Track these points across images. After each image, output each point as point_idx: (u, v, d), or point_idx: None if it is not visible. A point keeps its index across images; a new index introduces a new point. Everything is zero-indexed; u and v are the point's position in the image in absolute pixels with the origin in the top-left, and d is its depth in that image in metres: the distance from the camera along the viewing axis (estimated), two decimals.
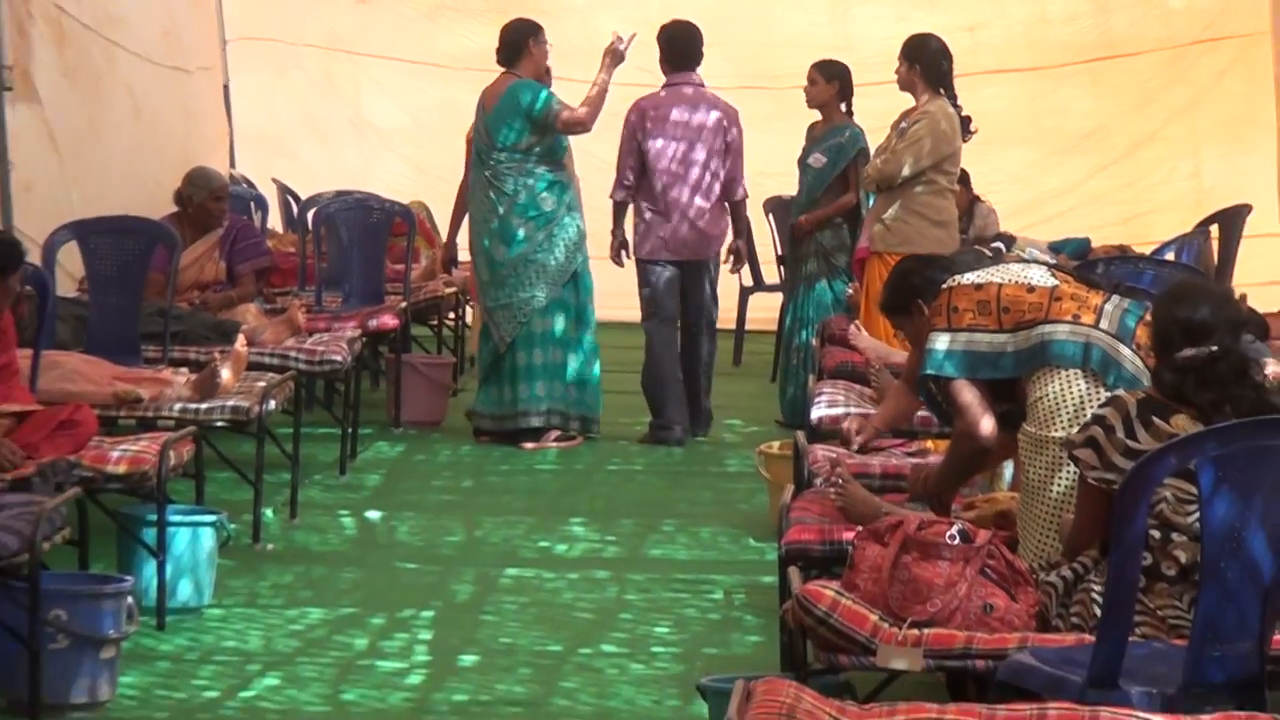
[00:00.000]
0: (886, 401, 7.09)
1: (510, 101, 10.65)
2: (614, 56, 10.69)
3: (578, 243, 10.88)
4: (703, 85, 11.37)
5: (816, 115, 11.42)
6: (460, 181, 11.30)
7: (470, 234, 10.95)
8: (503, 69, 10.84)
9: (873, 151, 10.53)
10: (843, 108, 11.35)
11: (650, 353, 11.31)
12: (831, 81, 11.30)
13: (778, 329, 13.13)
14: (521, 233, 10.72)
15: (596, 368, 11.10)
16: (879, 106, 11.12)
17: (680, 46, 11.32)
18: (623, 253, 11.28)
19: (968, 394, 5.98)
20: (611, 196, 11.21)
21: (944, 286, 6.15)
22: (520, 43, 10.80)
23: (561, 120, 10.59)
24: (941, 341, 5.99)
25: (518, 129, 10.65)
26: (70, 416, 7.25)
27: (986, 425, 5.96)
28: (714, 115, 11.23)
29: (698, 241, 11.17)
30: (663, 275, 11.27)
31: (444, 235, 12.11)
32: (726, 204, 11.33)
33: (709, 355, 11.58)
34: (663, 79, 11.35)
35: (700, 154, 11.17)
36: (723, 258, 11.51)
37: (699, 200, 11.12)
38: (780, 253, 13.18)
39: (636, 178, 11.15)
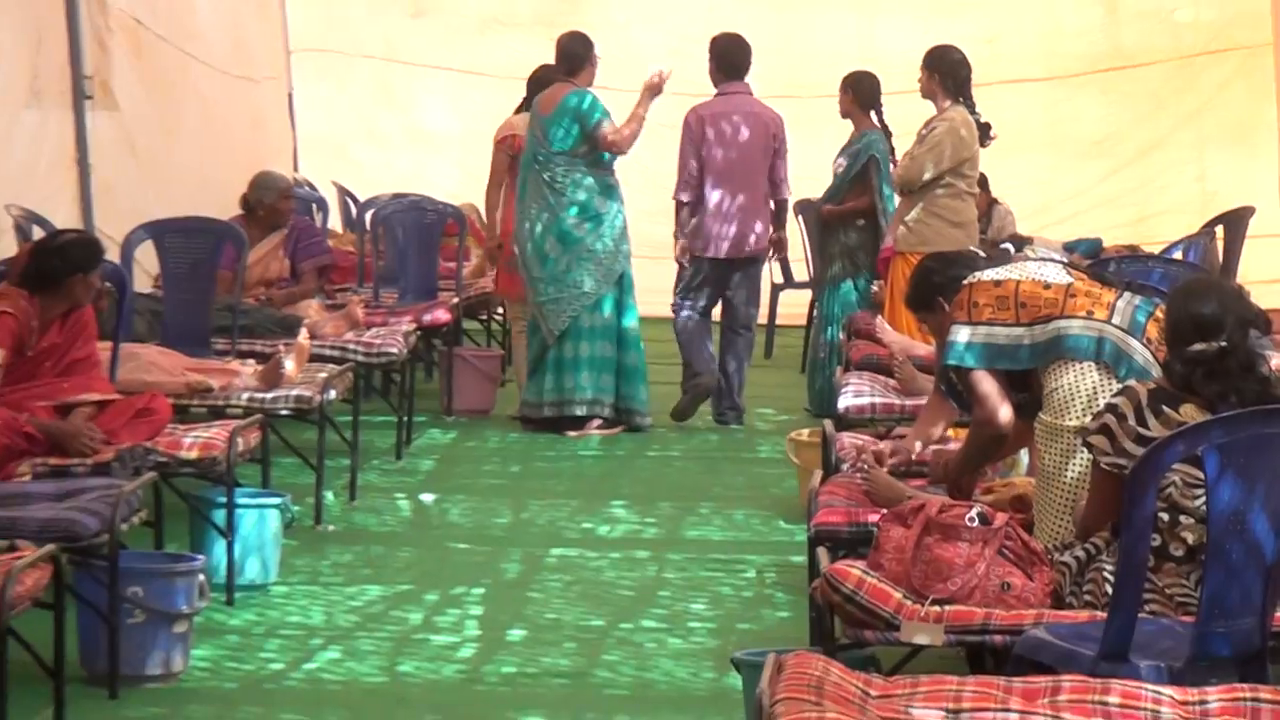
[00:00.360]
0: (921, 418, 7.04)
1: (567, 109, 10.67)
2: (652, 90, 10.71)
3: (623, 241, 10.93)
4: (751, 93, 11.42)
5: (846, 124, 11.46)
6: (489, 183, 11.31)
7: (517, 232, 10.90)
8: (560, 78, 10.85)
9: (899, 156, 10.53)
10: (872, 116, 11.34)
11: (678, 320, 11.35)
12: (846, 92, 11.32)
13: (806, 324, 13.15)
14: (576, 232, 10.74)
15: (641, 360, 11.09)
16: (905, 113, 11.08)
17: (732, 58, 11.33)
18: (683, 252, 11.25)
19: (986, 384, 5.97)
20: (676, 197, 11.18)
21: (965, 283, 6.14)
22: (582, 55, 10.85)
23: (604, 138, 10.62)
24: (962, 334, 5.98)
25: (574, 135, 10.67)
26: (147, 405, 7.28)
27: (1004, 414, 5.97)
28: (762, 121, 11.27)
29: (741, 239, 11.19)
30: (705, 270, 11.32)
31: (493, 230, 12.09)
32: (771, 203, 11.37)
33: (745, 354, 11.55)
34: (703, 89, 11.46)
35: (749, 157, 11.20)
36: (767, 251, 11.55)
37: (746, 200, 11.14)
38: (809, 252, 13.16)
39: (700, 180, 11.15)
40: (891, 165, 11.07)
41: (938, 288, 6.38)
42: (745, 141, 11.18)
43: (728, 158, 11.15)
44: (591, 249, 10.81)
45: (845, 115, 11.35)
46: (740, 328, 11.47)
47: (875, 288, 10.94)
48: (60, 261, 7.11)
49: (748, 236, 11.21)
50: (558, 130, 10.68)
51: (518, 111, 11.44)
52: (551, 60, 11.12)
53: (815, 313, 11.68)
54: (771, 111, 11.39)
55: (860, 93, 11.32)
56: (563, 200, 10.74)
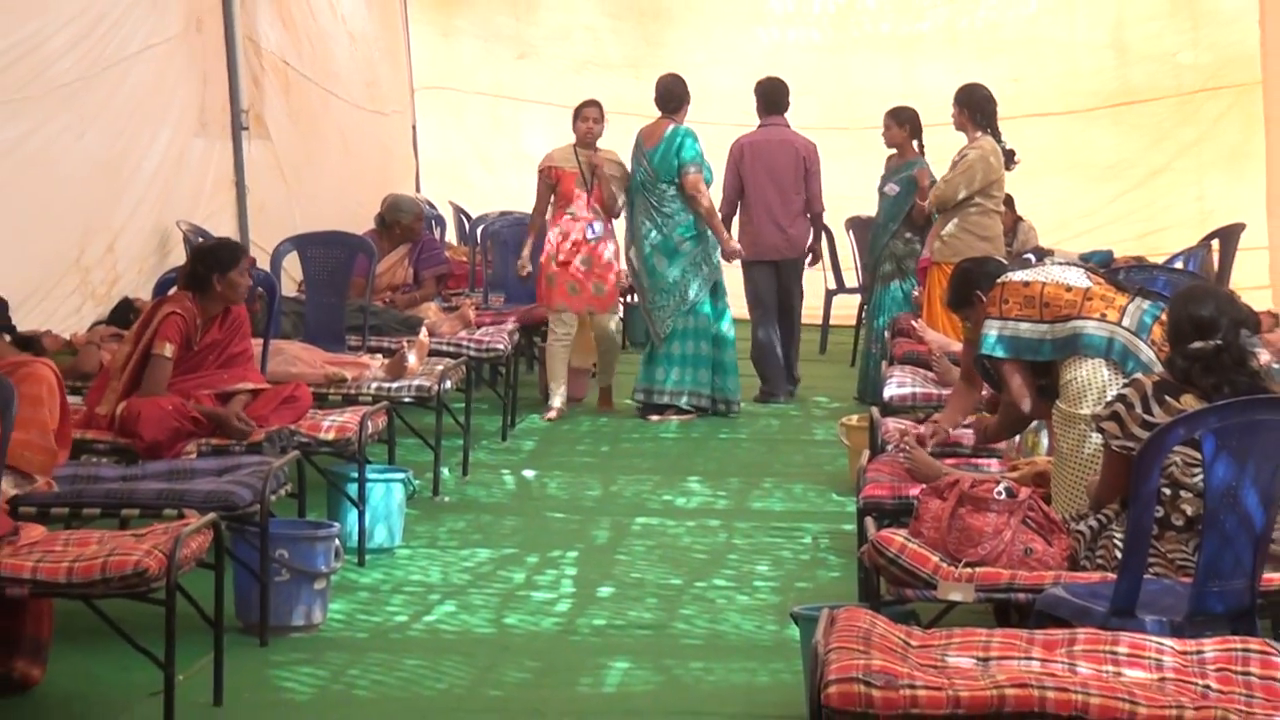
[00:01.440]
0: (950, 405, 7.06)
1: (674, 144, 10.67)
2: (729, 252, 11.01)
3: (717, 253, 10.96)
4: (788, 126, 11.52)
5: (891, 151, 11.40)
6: (534, 208, 11.01)
7: (630, 246, 10.93)
8: (661, 114, 10.85)
9: (938, 180, 10.50)
10: (915, 145, 11.28)
11: (755, 334, 11.46)
12: (904, 126, 11.22)
13: (855, 323, 13.12)
14: (684, 247, 10.76)
15: (734, 357, 11.11)
16: (940, 143, 11.06)
17: (772, 97, 11.50)
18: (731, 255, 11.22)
19: (1015, 377, 6.02)
20: (720, 211, 11.19)
21: (998, 282, 6.16)
22: (681, 96, 10.86)
23: (690, 181, 10.63)
24: (993, 328, 6.01)
25: (673, 163, 10.67)
26: (292, 393, 7.34)
27: (1027, 404, 6.04)
28: (795, 149, 11.38)
29: (785, 245, 11.30)
30: (760, 272, 11.43)
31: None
32: (808, 215, 11.47)
33: (797, 333, 11.75)
34: (756, 121, 11.55)
35: (784, 178, 11.31)
36: (805, 254, 11.64)
37: (783, 214, 11.24)
38: (860, 261, 13.12)
39: (737, 196, 11.31)
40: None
41: (975, 285, 6.42)
42: (780, 165, 11.32)
43: (765, 179, 11.25)
44: (696, 262, 10.84)
45: (893, 145, 11.29)
46: (784, 314, 11.60)
47: (915, 293, 10.92)
48: (205, 265, 7.21)
49: (792, 242, 11.36)
50: (666, 162, 10.69)
51: None
52: (644, 101, 11.21)
53: (864, 313, 11.62)
54: (804, 140, 11.49)
55: (913, 124, 11.28)
56: (671, 221, 10.75)
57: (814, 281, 13.12)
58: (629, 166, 10.84)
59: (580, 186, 10.54)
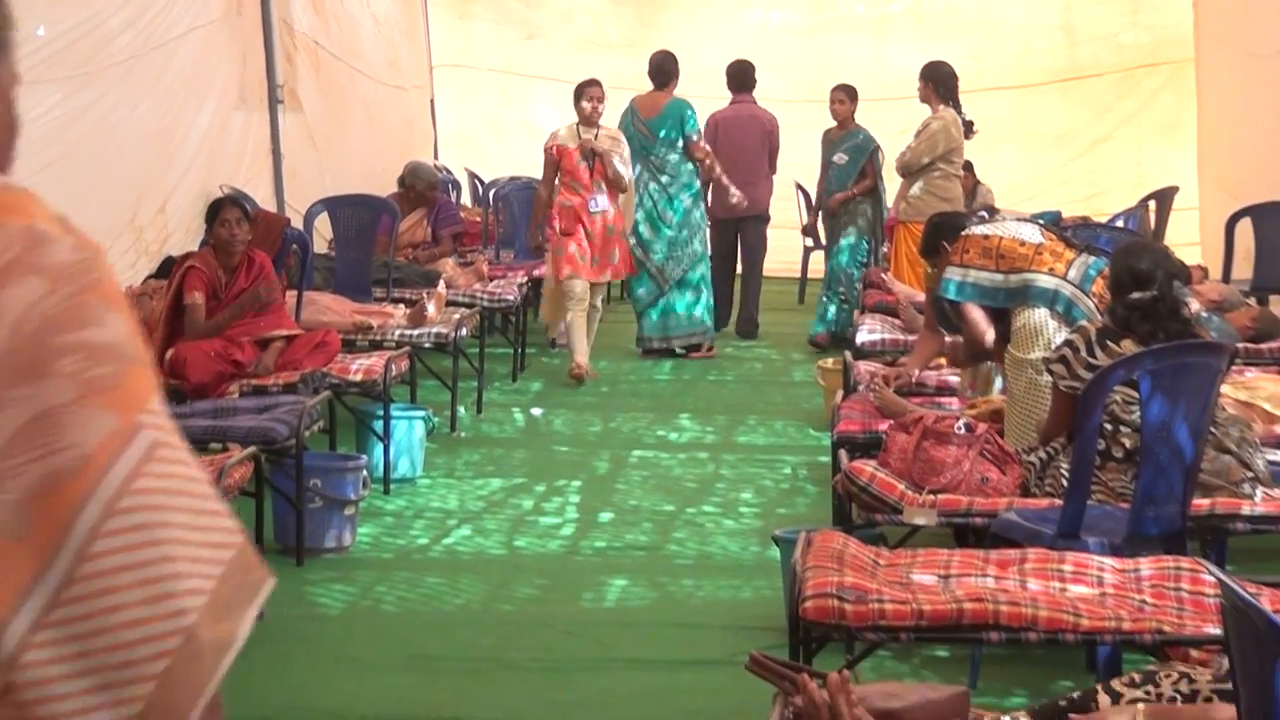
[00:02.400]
0: (915, 350, 7.03)
1: (672, 113, 10.70)
2: (736, 199, 10.96)
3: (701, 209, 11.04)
4: (754, 102, 11.64)
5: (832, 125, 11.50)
6: (540, 183, 10.49)
7: (639, 206, 10.87)
8: (654, 88, 10.84)
9: (904, 147, 10.48)
10: (856, 118, 11.40)
11: (714, 279, 11.37)
12: (853, 100, 11.37)
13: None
14: (682, 204, 10.78)
15: (710, 297, 11.15)
16: (907, 114, 11.03)
17: (740, 78, 11.67)
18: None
19: (974, 314, 6.02)
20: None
21: (962, 234, 6.15)
22: (672, 71, 10.85)
23: (696, 146, 10.72)
24: (955, 275, 6.00)
25: (676, 133, 10.69)
26: (323, 339, 7.35)
27: (989, 337, 6.02)
28: (760, 123, 11.50)
29: (751, 204, 11.28)
30: (726, 229, 11.56)
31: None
32: (771, 177, 11.62)
33: (757, 283, 11.77)
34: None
35: (750, 148, 11.37)
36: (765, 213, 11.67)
37: (748, 177, 11.20)
38: (806, 222, 13.07)
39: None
40: (881, 156, 11.26)
41: (943, 237, 6.39)
42: (747, 137, 11.38)
43: (734, 149, 11.24)
44: (698, 221, 10.91)
45: (841, 118, 11.39)
46: (749, 266, 11.72)
47: (885, 249, 10.92)
48: (207, 224, 7.42)
49: (754, 201, 11.33)
50: (665, 129, 10.70)
51: None
52: (639, 78, 11.13)
53: (829, 263, 11.57)
54: (768, 114, 11.61)
55: (856, 99, 11.40)
56: (677, 182, 10.76)
57: (794, 239, 13.12)
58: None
59: (584, 163, 10.08)
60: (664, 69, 10.86)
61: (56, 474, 1.35)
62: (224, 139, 10.41)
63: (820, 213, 11.98)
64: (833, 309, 11.27)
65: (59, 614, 1.34)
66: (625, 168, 10.14)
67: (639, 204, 10.81)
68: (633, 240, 10.75)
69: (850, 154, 11.26)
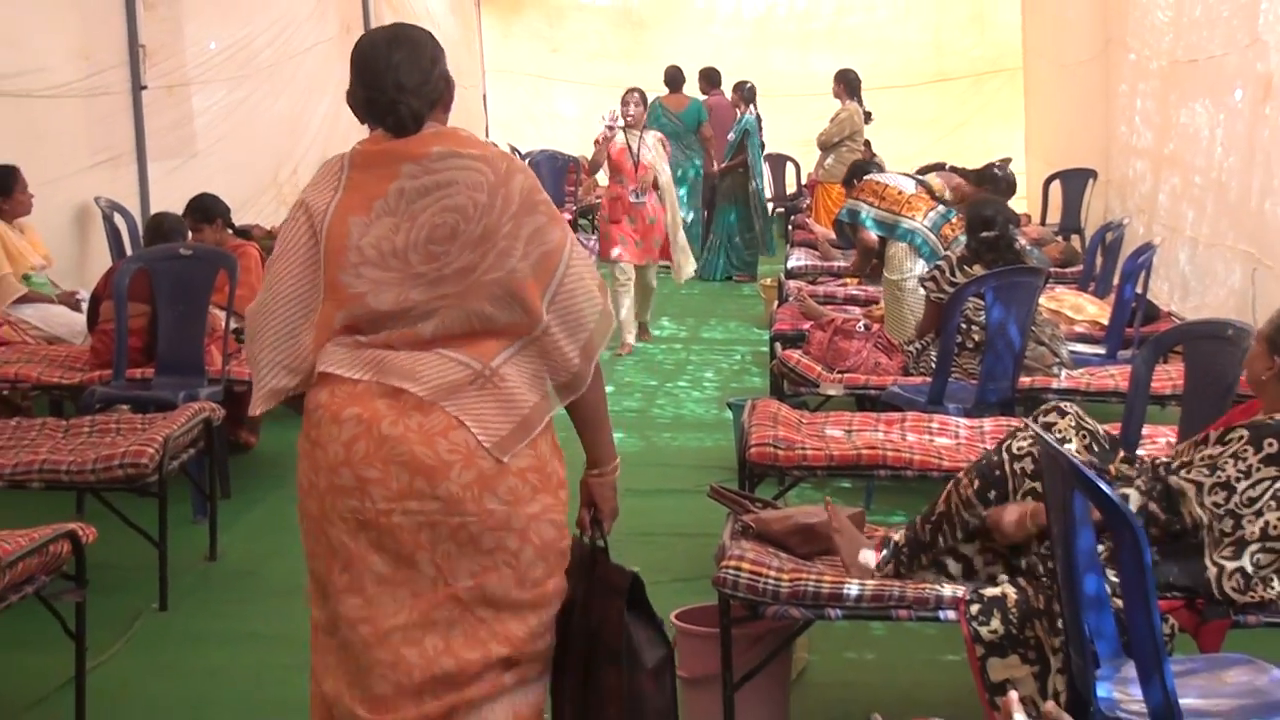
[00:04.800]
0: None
1: (693, 109, 10.55)
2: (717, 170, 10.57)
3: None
4: (723, 95, 11.24)
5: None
6: (592, 159, 9.17)
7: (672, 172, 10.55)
8: (670, 91, 10.61)
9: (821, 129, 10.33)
10: (748, 106, 10.89)
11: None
12: (736, 91, 11.00)
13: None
14: (696, 165, 10.61)
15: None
16: (827, 108, 10.75)
17: (711, 78, 11.32)
18: None
19: (864, 232, 6.06)
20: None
21: (865, 178, 6.26)
22: (682, 79, 10.66)
23: (705, 135, 10.52)
24: (850, 205, 6.07)
25: (694, 121, 10.50)
26: None
27: (875, 241, 6.07)
28: (725, 108, 11.08)
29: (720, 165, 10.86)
30: (708, 181, 11.09)
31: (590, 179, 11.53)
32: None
33: (754, 219, 11.01)
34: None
35: (724, 124, 10.94)
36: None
37: (719, 150, 10.79)
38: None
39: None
40: (759, 136, 10.92)
41: (855, 176, 6.62)
42: (717, 120, 10.91)
43: (714, 127, 10.82)
44: (696, 184, 10.73)
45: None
46: (742, 205, 10.97)
47: (806, 202, 10.82)
48: None
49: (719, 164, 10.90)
50: (691, 119, 10.50)
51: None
52: (632, 79, 10.83)
53: (711, 224, 11.09)
54: (728, 104, 11.13)
55: (743, 93, 10.91)
56: (692, 150, 10.56)
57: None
58: (653, 124, 10.10)
59: (629, 160, 7.99)
60: (676, 78, 10.67)
61: (548, 251, 2.29)
62: (336, 124, 10.29)
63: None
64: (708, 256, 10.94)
65: (553, 304, 2.29)
66: (657, 171, 8.17)
67: (679, 173, 10.33)
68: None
69: (737, 134, 10.76)
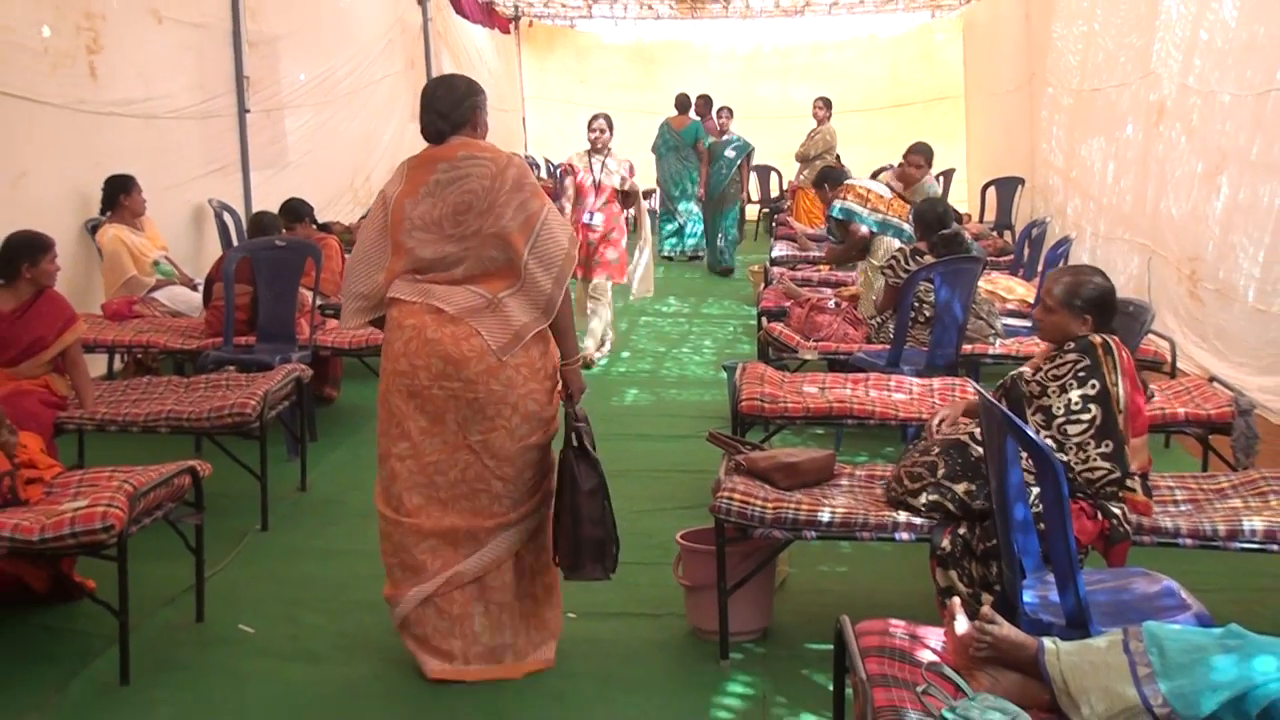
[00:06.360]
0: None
1: (692, 128, 10.30)
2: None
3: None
4: (711, 117, 10.94)
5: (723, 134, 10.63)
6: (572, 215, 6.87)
7: (670, 188, 10.39)
8: (678, 112, 10.42)
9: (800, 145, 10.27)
10: (733, 128, 10.57)
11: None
12: (731, 117, 10.65)
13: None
14: (694, 177, 10.34)
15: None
16: (802, 128, 10.68)
17: (706, 105, 11.05)
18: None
19: (854, 227, 5.95)
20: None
21: (845, 182, 6.25)
22: (687, 103, 10.49)
23: (700, 150, 10.25)
24: (839, 204, 5.93)
25: (692, 138, 10.29)
26: None
27: (864, 236, 5.89)
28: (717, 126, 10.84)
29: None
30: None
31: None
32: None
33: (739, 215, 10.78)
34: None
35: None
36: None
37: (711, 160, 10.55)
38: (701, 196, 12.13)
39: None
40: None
41: (832, 181, 6.60)
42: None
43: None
44: (693, 191, 10.45)
45: (724, 128, 10.52)
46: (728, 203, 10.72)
47: (788, 204, 10.73)
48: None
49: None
50: (690, 136, 10.28)
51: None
52: (645, 105, 10.82)
53: (713, 223, 10.69)
54: (714, 123, 10.80)
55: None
56: (690, 164, 10.31)
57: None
58: (659, 142, 10.17)
59: (589, 185, 6.73)
60: (684, 103, 10.54)
61: (531, 214, 2.77)
62: (402, 141, 10.28)
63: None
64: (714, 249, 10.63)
65: (533, 250, 2.76)
66: (635, 182, 6.88)
67: (672, 178, 10.28)
68: (669, 197, 10.26)
69: (737, 151, 10.25)
